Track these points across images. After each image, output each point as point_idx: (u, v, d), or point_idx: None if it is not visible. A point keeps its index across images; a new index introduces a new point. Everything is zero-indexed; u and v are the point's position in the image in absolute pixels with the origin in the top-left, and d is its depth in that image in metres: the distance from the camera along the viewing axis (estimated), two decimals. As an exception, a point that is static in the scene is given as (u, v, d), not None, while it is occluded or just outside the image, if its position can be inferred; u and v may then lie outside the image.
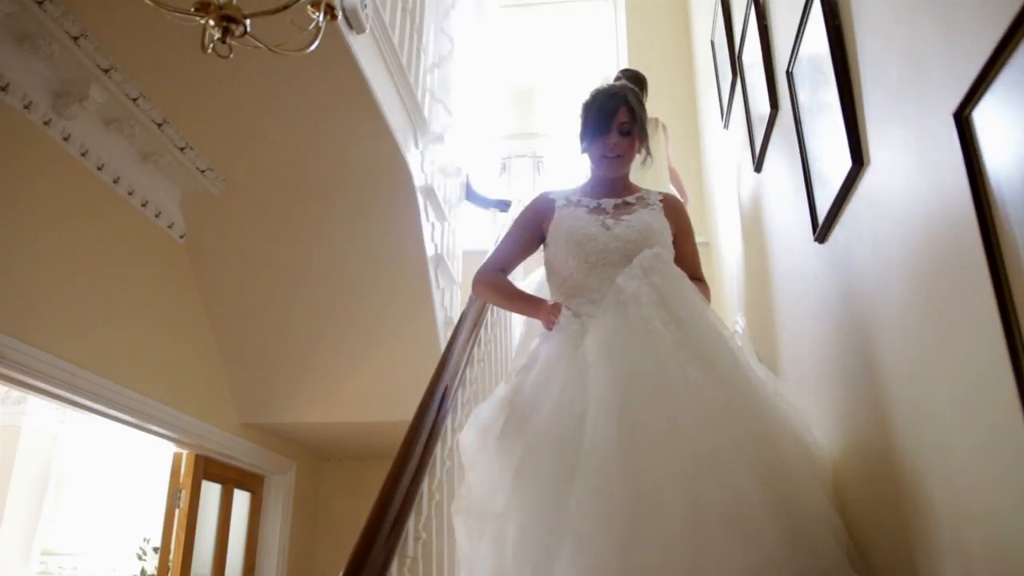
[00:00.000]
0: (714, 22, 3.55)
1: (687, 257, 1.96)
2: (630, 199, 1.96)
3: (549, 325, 1.85)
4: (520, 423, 1.70)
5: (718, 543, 1.37)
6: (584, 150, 2.01)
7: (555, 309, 1.85)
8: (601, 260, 1.82)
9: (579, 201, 1.96)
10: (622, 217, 1.89)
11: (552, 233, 1.93)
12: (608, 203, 1.94)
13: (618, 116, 1.91)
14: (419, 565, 1.94)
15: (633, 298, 1.66)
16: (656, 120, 3.72)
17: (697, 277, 1.96)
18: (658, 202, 1.96)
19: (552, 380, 1.71)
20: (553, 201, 1.99)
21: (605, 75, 5.65)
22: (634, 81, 3.67)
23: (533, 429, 1.65)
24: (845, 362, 1.75)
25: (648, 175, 3.56)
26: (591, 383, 1.59)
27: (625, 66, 4.82)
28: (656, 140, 3.64)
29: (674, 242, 1.92)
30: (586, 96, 2.02)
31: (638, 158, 2.06)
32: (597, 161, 1.97)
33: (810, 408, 1.88)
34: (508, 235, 2.09)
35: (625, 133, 1.92)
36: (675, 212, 1.98)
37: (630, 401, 1.53)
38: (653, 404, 1.52)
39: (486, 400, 1.94)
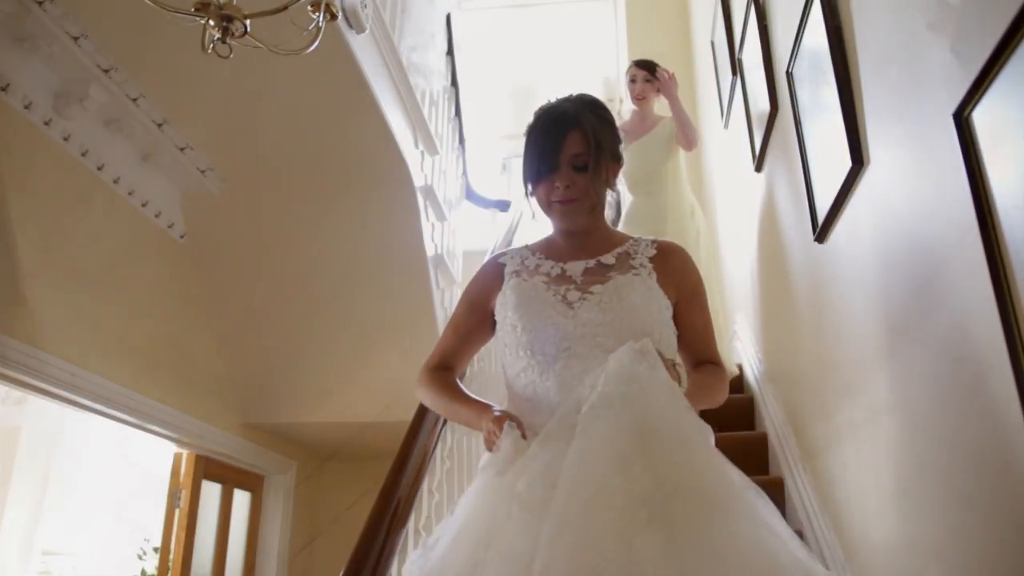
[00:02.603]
0: (714, 22, 3.55)
1: (694, 332, 1.40)
2: (607, 258, 1.39)
3: (488, 444, 1.29)
4: None
5: None
6: (530, 193, 1.43)
7: (499, 421, 1.27)
8: (563, 352, 1.28)
9: (537, 267, 1.42)
10: (592, 288, 1.33)
11: (498, 314, 1.43)
12: (576, 267, 1.39)
13: (566, 146, 1.35)
14: (419, 565, 1.94)
15: (585, 423, 1.12)
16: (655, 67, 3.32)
17: (707, 360, 1.41)
18: (647, 261, 1.38)
19: (463, 535, 1.18)
20: (503, 267, 1.46)
21: (606, 75, 5.66)
22: (646, 67, 3.37)
23: None
24: (845, 363, 1.76)
25: (661, 164, 3.21)
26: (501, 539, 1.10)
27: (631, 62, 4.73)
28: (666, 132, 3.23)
29: (676, 311, 1.38)
30: (531, 119, 1.44)
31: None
32: (546, 208, 1.42)
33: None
34: (451, 319, 1.59)
35: (580, 168, 1.35)
36: (676, 269, 1.40)
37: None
38: None
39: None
